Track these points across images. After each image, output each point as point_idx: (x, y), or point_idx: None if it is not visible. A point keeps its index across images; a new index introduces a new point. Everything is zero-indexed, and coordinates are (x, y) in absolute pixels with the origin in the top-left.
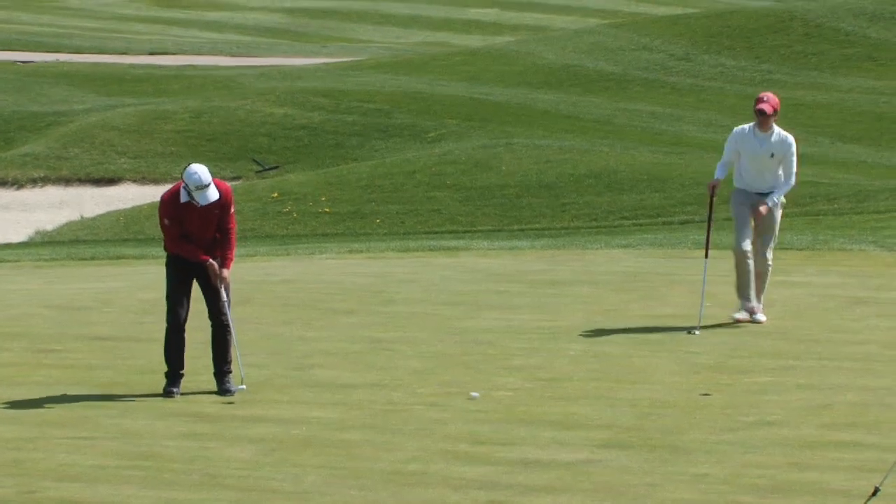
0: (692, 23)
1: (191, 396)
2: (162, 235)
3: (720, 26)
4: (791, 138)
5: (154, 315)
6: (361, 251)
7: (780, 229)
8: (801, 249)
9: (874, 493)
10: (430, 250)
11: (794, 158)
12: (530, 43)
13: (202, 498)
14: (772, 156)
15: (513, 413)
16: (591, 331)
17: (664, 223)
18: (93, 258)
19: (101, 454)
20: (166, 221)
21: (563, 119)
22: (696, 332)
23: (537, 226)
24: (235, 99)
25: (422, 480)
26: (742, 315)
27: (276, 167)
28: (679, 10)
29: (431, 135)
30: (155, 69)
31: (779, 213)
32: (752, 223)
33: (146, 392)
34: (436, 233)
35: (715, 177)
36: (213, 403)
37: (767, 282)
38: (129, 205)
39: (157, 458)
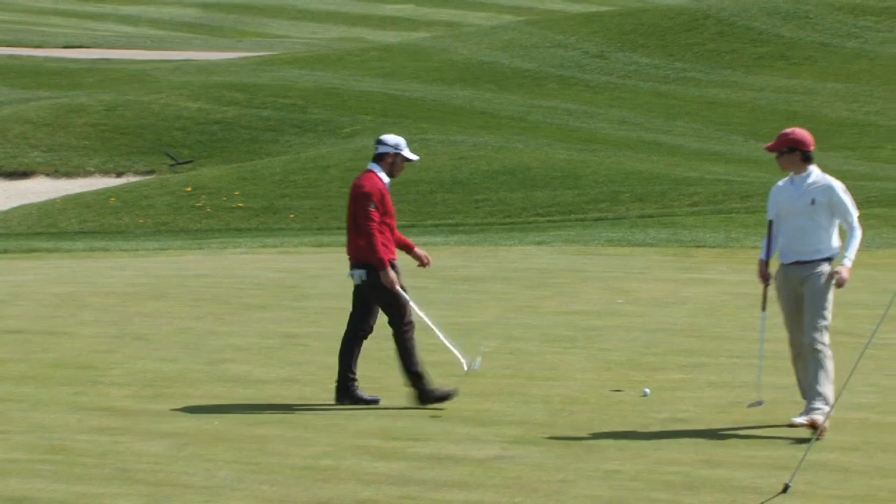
0: (606, 20)
1: (103, 390)
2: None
3: (634, 24)
4: (834, 181)
5: (66, 309)
6: (275, 246)
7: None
8: (713, 247)
9: (784, 490)
10: (344, 245)
11: (848, 202)
12: (445, 39)
13: (114, 492)
14: (812, 202)
15: (425, 409)
16: (505, 327)
17: (578, 220)
18: (5, 251)
19: (12, 448)
20: (372, 207)
21: (478, 115)
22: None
23: (451, 221)
24: (150, 93)
25: (334, 476)
26: (800, 420)
27: (190, 161)
28: (593, 8)
29: (346, 130)
30: (69, 62)
31: (828, 284)
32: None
33: (58, 386)
34: None
35: (759, 258)
36: (125, 398)
37: (821, 376)
38: (42, 198)
39: (69, 452)
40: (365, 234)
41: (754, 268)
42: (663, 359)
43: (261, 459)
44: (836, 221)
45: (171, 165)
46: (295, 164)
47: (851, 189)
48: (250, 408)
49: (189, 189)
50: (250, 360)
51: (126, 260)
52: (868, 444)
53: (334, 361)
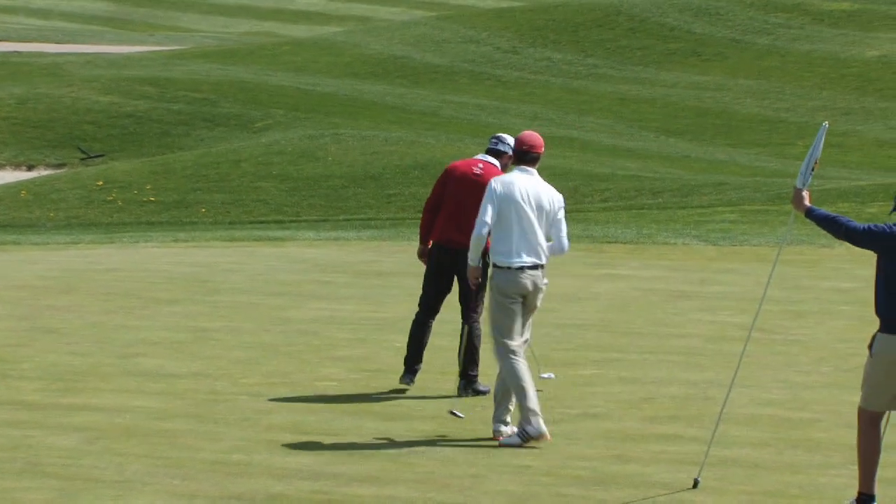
0: (518, 16)
1: (13, 383)
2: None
3: (546, 20)
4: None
5: None
6: (186, 240)
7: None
8: (625, 243)
9: (694, 486)
10: (256, 240)
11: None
12: (357, 34)
13: (24, 486)
14: None
15: (337, 404)
16: None
17: None
18: None
19: None
20: None
21: (390, 110)
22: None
23: (363, 216)
24: (61, 86)
25: (245, 470)
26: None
27: (101, 155)
28: (505, 4)
29: (258, 124)
30: None
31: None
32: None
33: None
34: (261, 222)
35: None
36: (35, 391)
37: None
38: None
39: None
40: None
41: (666, 263)
42: (575, 354)
43: (172, 454)
44: (502, 224)
45: (83, 159)
46: (206, 159)
47: (762, 185)
48: (161, 402)
49: (100, 183)
50: (161, 354)
51: (37, 253)
52: (778, 440)
53: (246, 356)
